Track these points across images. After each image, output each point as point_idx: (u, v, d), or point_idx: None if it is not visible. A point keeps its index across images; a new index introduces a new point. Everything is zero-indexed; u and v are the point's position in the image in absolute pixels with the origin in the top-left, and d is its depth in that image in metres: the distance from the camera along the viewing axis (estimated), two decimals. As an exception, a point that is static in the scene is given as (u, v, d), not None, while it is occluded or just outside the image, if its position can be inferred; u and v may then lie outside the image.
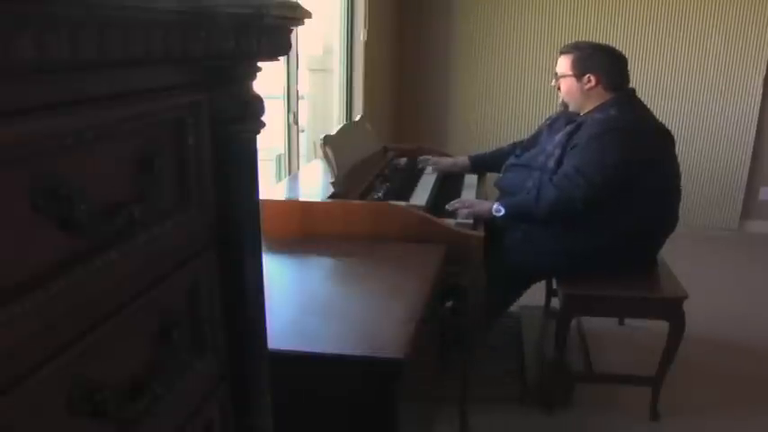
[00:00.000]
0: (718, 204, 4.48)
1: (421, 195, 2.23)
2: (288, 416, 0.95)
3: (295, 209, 1.91)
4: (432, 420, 1.99)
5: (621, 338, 2.82)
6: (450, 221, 1.96)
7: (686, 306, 2.11)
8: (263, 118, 0.75)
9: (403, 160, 2.78)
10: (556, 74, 2.33)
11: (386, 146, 2.89)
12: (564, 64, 2.29)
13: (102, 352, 0.56)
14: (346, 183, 2.05)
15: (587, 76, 2.23)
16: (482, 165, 2.75)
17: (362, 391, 1.20)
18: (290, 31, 0.75)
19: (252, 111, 0.72)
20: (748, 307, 3.21)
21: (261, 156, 0.79)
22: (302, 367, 1.19)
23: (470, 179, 2.66)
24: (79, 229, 0.50)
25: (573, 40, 2.42)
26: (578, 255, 2.17)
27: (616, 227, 2.15)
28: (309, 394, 1.20)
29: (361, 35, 3.45)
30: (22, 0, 0.39)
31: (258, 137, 0.76)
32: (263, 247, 0.80)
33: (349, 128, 2.49)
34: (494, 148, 2.81)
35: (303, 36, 2.90)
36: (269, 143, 2.79)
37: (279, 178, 2.81)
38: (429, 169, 2.69)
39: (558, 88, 2.34)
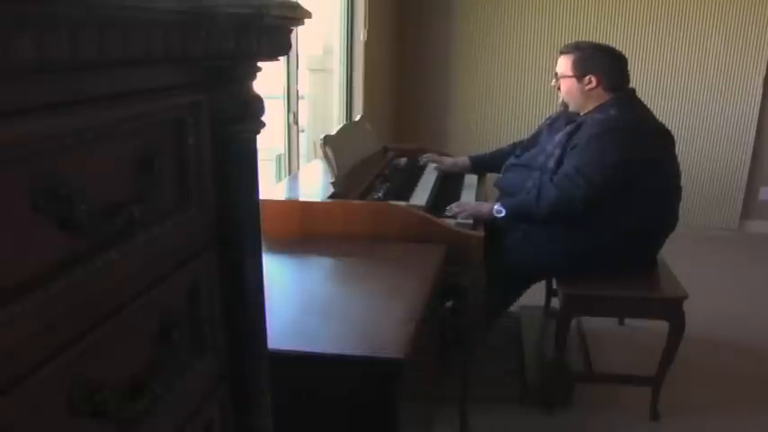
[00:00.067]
0: (718, 204, 4.48)
1: (421, 195, 2.23)
2: (288, 416, 0.95)
3: (295, 209, 1.91)
4: (432, 420, 1.99)
5: (621, 338, 2.82)
6: (450, 221, 1.96)
7: (686, 306, 2.11)
8: (263, 118, 0.75)
9: (403, 160, 2.78)
10: (556, 74, 2.33)
11: (386, 146, 2.89)
12: (564, 64, 2.29)
13: (102, 352, 0.56)
14: (346, 183, 2.05)
15: (588, 76, 2.23)
16: (482, 165, 2.75)
17: (362, 391, 1.20)
18: (290, 31, 0.75)
19: (252, 111, 0.72)
20: (748, 307, 3.21)
21: (261, 156, 0.79)
22: (302, 367, 1.19)
23: (470, 179, 2.66)
24: (79, 229, 0.50)
25: (573, 40, 2.42)
26: (578, 255, 2.17)
27: (616, 227, 2.15)
28: (309, 394, 1.20)
29: (361, 35, 3.45)
30: (21, 0, 0.39)
31: (258, 137, 0.76)
32: (263, 247, 0.80)
33: (349, 128, 2.49)
34: (494, 149, 2.81)
35: (303, 36, 2.90)
36: (269, 143, 2.79)
37: (279, 178, 2.81)
38: (430, 168, 2.69)
39: (558, 88, 2.34)
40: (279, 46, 0.72)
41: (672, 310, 2.12)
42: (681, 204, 2.31)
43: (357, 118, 2.86)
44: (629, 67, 2.28)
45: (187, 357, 0.69)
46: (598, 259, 2.17)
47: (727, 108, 4.32)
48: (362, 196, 2.10)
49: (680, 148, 2.38)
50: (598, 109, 2.22)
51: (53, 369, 0.49)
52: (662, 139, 2.24)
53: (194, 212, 0.69)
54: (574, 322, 2.40)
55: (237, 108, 0.71)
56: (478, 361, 2.26)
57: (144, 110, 0.59)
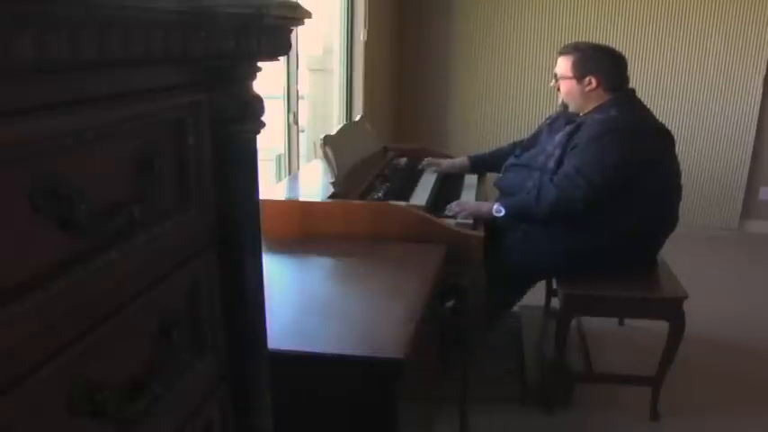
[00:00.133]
0: (718, 204, 4.48)
1: (421, 195, 2.23)
2: (288, 416, 0.95)
3: (295, 209, 1.91)
4: (432, 420, 1.99)
5: (621, 338, 2.82)
6: (450, 221, 1.96)
7: (686, 306, 2.11)
8: (263, 118, 0.75)
9: (403, 160, 2.78)
10: (555, 75, 2.33)
11: (386, 146, 2.89)
12: (564, 65, 2.28)
13: (102, 352, 0.56)
14: (346, 183, 2.05)
15: (588, 77, 2.23)
16: (482, 165, 2.75)
17: (362, 391, 1.20)
18: (290, 31, 0.75)
19: (252, 111, 0.72)
20: (748, 307, 3.21)
21: (261, 156, 0.79)
22: (302, 367, 1.19)
23: (470, 179, 2.65)
24: (79, 229, 0.50)
25: (573, 40, 2.42)
26: (578, 255, 2.17)
27: (616, 227, 2.15)
28: (309, 394, 1.20)
29: (361, 35, 3.45)
30: (21, 0, 0.39)
31: (258, 137, 0.76)
32: (263, 247, 0.80)
33: (349, 128, 2.49)
34: (493, 148, 2.81)
35: (303, 36, 2.90)
36: (269, 143, 2.79)
37: (279, 178, 2.81)
38: (430, 169, 2.69)
39: (558, 89, 2.34)
40: (279, 46, 0.72)
41: (672, 310, 2.12)
42: (681, 204, 2.31)
43: (357, 118, 2.86)
44: (629, 67, 2.28)
45: (187, 357, 0.69)
46: (598, 259, 2.17)
47: (727, 108, 4.32)
48: (362, 196, 2.10)
49: (680, 148, 2.38)
50: (598, 109, 2.22)
51: (53, 369, 0.49)
52: (662, 139, 2.24)
53: (194, 212, 0.69)
54: (574, 322, 2.40)
55: (237, 108, 0.71)
56: (478, 361, 2.26)
57: (144, 110, 0.59)
